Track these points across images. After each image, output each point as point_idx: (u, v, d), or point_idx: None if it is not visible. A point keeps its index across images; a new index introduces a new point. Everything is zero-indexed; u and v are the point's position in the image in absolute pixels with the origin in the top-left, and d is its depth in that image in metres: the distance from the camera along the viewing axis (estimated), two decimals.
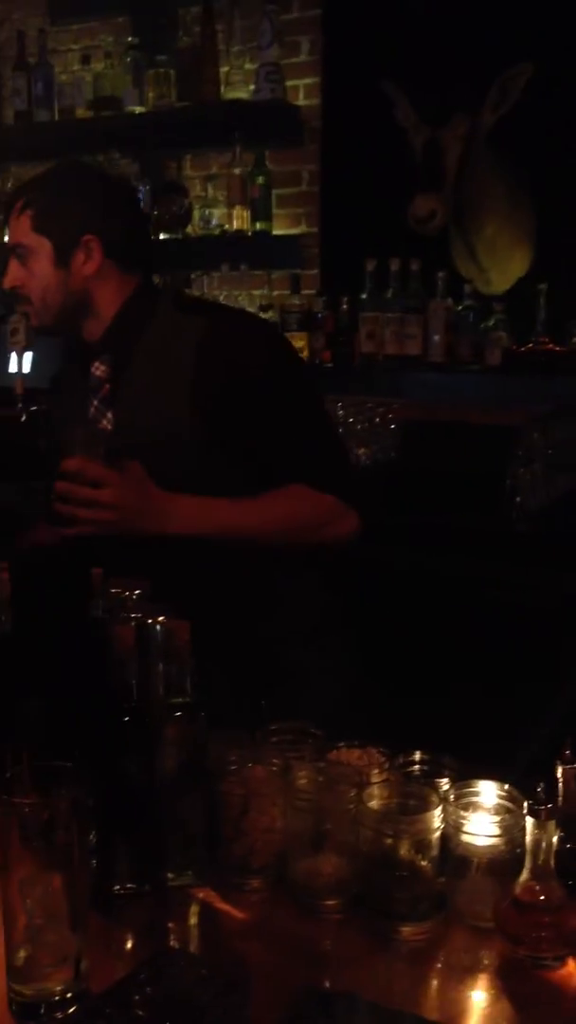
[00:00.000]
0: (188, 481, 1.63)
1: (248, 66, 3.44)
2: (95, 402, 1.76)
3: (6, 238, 1.82)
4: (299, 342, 3.36)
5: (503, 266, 3.25)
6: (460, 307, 3.19)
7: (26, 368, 3.35)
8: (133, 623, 1.12)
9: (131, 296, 1.75)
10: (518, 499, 2.90)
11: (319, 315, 3.37)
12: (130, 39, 3.56)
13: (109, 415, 1.74)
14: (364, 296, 3.27)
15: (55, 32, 3.84)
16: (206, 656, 1.60)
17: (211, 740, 1.24)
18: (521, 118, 3.09)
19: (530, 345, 3.06)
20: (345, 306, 3.30)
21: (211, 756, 1.20)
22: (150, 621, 1.16)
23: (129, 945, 1.09)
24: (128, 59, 3.50)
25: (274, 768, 1.18)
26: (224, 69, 3.44)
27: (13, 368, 3.10)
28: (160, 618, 1.15)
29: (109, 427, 1.73)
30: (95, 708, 1.12)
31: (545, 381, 3.02)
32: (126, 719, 1.12)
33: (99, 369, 1.76)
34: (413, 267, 3.21)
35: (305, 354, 3.37)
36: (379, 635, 2.12)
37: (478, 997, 1.03)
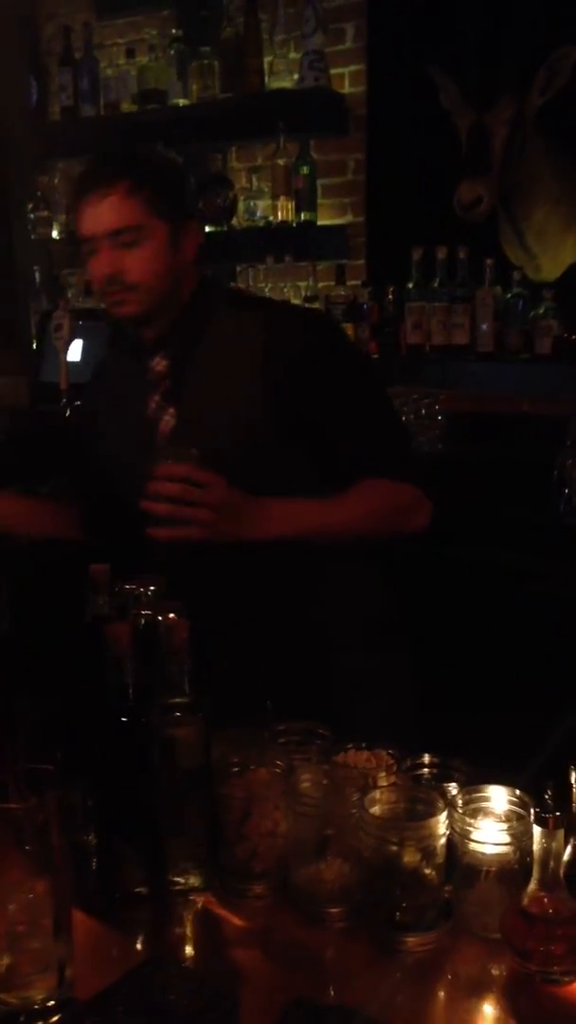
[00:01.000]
0: (257, 481, 1.56)
1: (292, 55, 3.40)
2: (155, 398, 1.70)
3: (100, 224, 1.61)
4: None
5: (553, 252, 3.16)
6: (509, 295, 3.11)
7: (75, 357, 3.38)
8: (128, 622, 1.10)
9: (197, 289, 1.70)
10: (566, 491, 2.82)
11: (364, 306, 3.31)
12: (174, 32, 3.54)
13: (172, 411, 1.68)
14: (410, 286, 3.21)
15: (100, 27, 3.84)
16: (265, 658, 1.58)
17: (219, 741, 1.21)
18: (569, 100, 3.00)
19: None
20: (391, 296, 3.25)
21: (216, 757, 1.18)
22: (145, 620, 1.13)
23: (126, 951, 1.07)
24: (172, 52, 3.48)
25: (277, 771, 1.14)
26: (268, 59, 3.40)
27: (72, 357, 3.20)
28: (159, 617, 1.13)
29: (173, 422, 1.67)
30: (92, 708, 1.10)
31: None
32: (124, 719, 1.10)
33: (160, 364, 1.70)
34: (460, 255, 3.14)
35: None
36: (427, 633, 2.07)
37: (483, 1013, 0.98)
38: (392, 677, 1.70)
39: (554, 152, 3.07)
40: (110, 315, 1.69)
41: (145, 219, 1.60)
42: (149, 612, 1.29)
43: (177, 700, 1.12)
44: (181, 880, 1.14)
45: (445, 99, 3.18)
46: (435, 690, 1.86)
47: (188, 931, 1.11)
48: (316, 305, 3.38)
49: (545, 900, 0.99)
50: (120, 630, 1.08)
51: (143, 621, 1.26)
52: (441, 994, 1.01)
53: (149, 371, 1.71)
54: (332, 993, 1.01)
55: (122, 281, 1.61)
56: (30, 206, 3.87)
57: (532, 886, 1.00)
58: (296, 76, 3.36)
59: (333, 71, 3.38)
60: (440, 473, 3.07)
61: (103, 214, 1.59)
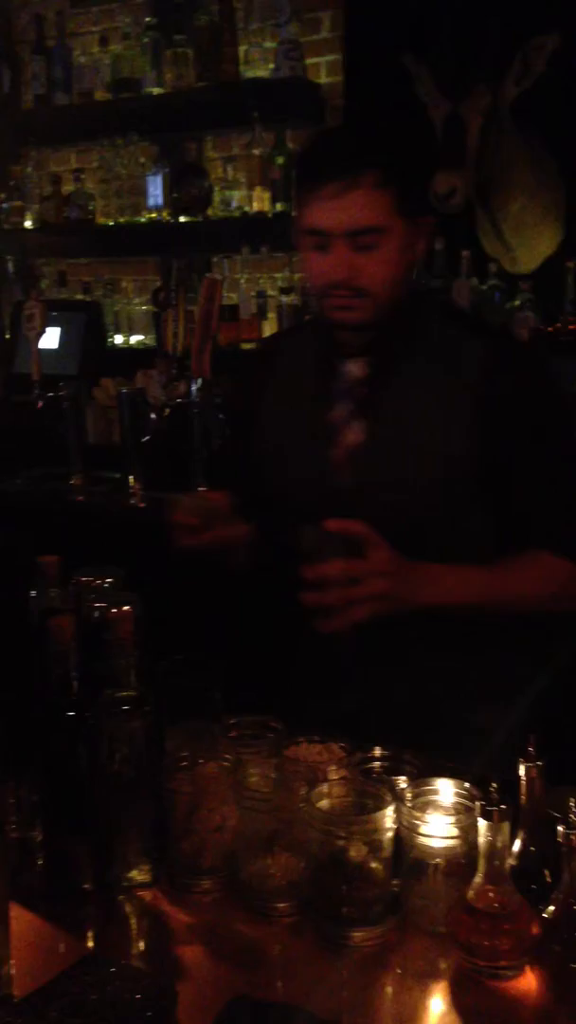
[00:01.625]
0: (428, 521, 1.45)
1: (267, 44, 3.37)
2: (346, 406, 1.52)
3: (337, 221, 1.39)
4: None
5: (530, 244, 3.15)
6: (486, 286, 3.09)
7: (52, 344, 3.26)
8: (71, 614, 1.08)
9: (411, 293, 1.51)
10: None
11: None
12: (148, 20, 3.51)
13: (360, 425, 1.50)
14: None
15: (73, 15, 3.80)
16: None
17: (173, 735, 1.20)
18: (545, 91, 2.98)
19: (558, 325, 2.96)
20: None
21: (167, 751, 1.16)
22: (98, 613, 1.12)
23: (71, 948, 1.05)
24: (146, 40, 3.45)
25: (226, 765, 1.13)
26: (243, 48, 3.37)
27: (48, 344, 2.94)
28: (112, 609, 1.11)
29: (360, 437, 1.50)
30: (38, 703, 1.08)
31: (575, 362, 2.91)
32: (69, 714, 1.08)
33: (359, 370, 1.51)
34: (437, 246, 3.12)
35: None
36: None
37: (429, 1008, 0.98)
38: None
39: (530, 143, 3.05)
40: (326, 319, 1.49)
41: (390, 219, 1.40)
42: (103, 605, 1.27)
43: (123, 694, 1.10)
44: (128, 876, 1.12)
45: (420, 89, 3.16)
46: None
47: (133, 927, 1.09)
48: (292, 297, 3.36)
49: (491, 894, 0.98)
50: (62, 623, 1.06)
51: (95, 614, 1.25)
52: (387, 989, 1.00)
53: (344, 375, 1.52)
54: (277, 989, 1.00)
55: (355, 286, 1.41)
56: (3, 196, 3.84)
57: (478, 880, 0.99)
58: (271, 65, 3.33)
59: (309, 61, 3.35)
60: None
61: (344, 211, 1.38)
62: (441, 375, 1.47)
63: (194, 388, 3.08)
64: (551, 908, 1.00)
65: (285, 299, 3.37)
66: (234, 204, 3.47)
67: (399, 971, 1.02)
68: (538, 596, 1.44)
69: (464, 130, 3.10)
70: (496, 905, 0.98)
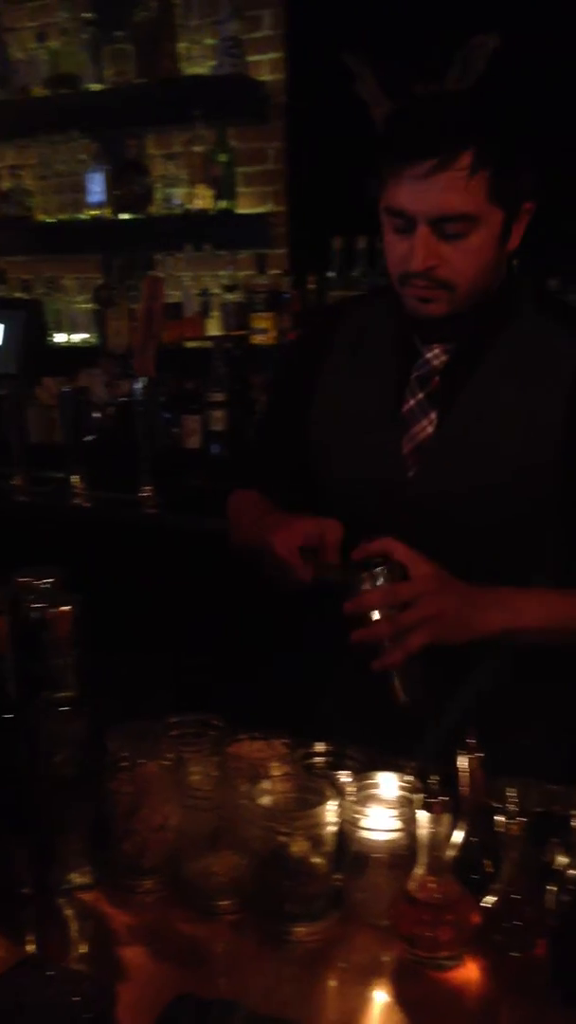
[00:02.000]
0: (497, 532, 1.34)
1: (208, 41, 3.36)
2: (419, 395, 1.39)
3: (423, 204, 1.26)
4: (265, 323, 3.30)
5: None
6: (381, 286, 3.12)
7: None
8: (5, 615, 1.06)
9: (505, 279, 1.37)
10: None
11: (286, 295, 3.30)
12: (86, 15, 3.48)
13: (433, 416, 1.38)
14: (331, 275, 3.20)
15: (9, 9, 3.75)
16: None
17: (115, 736, 1.19)
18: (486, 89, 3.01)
19: None
20: (312, 285, 3.24)
21: (108, 751, 1.15)
22: (36, 613, 1.10)
23: (11, 953, 1.03)
24: (85, 36, 3.42)
25: (167, 764, 1.12)
26: (183, 44, 3.36)
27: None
28: (51, 609, 1.10)
29: (431, 430, 1.38)
30: None
31: None
32: (6, 716, 1.06)
33: (437, 358, 1.38)
34: (380, 245, 3.13)
35: (272, 335, 3.31)
36: None
37: (371, 1001, 0.98)
38: None
39: None
40: (403, 307, 1.35)
41: (483, 207, 1.25)
42: (42, 605, 1.25)
43: (62, 695, 1.09)
44: (68, 878, 1.11)
45: (362, 88, 3.17)
46: None
47: (74, 929, 1.08)
48: (237, 295, 3.36)
49: (432, 885, 0.99)
50: None
51: (33, 615, 1.23)
52: (330, 983, 1.00)
53: (422, 361, 1.39)
54: (220, 986, 0.99)
55: (437, 277, 1.28)
56: None
57: (419, 871, 0.99)
58: (212, 63, 3.32)
59: (250, 58, 3.35)
60: None
61: (431, 194, 1.24)
62: (531, 371, 1.34)
63: (138, 386, 3.06)
64: (491, 898, 1.00)
65: (229, 297, 3.37)
66: (176, 201, 3.46)
67: (342, 965, 1.02)
68: None
69: None
70: (437, 896, 0.98)
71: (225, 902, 1.08)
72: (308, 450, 1.49)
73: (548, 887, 0.97)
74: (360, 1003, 0.97)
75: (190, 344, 3.43)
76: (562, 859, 1.00)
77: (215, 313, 3.44)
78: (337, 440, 1.45)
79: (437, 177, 1.23)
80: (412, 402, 1.39)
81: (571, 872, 0.94)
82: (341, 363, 1.47)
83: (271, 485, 1.54)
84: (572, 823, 1.04)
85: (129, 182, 3.40)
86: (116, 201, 3.44)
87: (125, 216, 3.46)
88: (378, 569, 1.21)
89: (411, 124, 1.30)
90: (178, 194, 3.45)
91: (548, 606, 1.31)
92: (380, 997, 0.98)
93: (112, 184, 3.44)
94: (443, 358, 1.38)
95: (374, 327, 1.46)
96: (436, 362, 1.38)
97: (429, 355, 1.39)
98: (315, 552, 1.27)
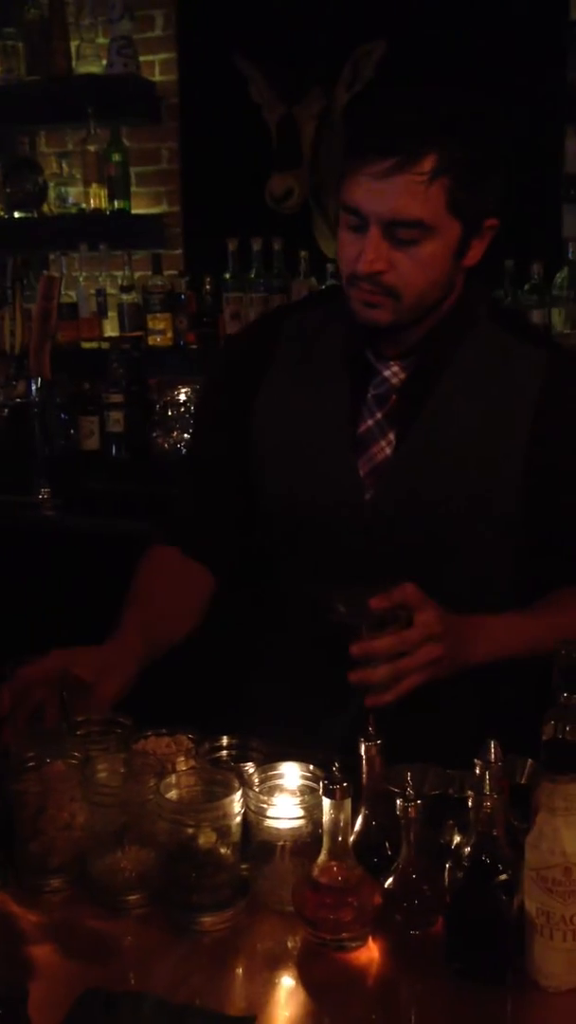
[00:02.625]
0: (456, 551, 1.32)
1: (100, 40, 3.35)
2: (376, 415, 1.35)
3: (377, 205, 1.20)
4: (162, 324, 3.31)
5: None
6: (324, 287, 3.17)
7: None
8: None
9: (462, 296, 1.34)
10: None
11: (182, 296, 3.31)
12: None
13: (392, 436, 1.34)
14: (227, 276, 3.22)
15: None
16: None
17: (19, 736, 1.19)
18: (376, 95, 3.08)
19: None
20: (208, 287, 3.25)
21: (13, 753, 1.15)
22: None
23: None
24: None
25: (73, 762, 1.13)
26: (75, 43, 3.34)
27: None
28: None
29: (388, 451, 1.34)
30: None
31: None
32: None
33: (395, 376, 1.34)
34: (275, 247, 3.18)
35: (169, 336, 3.31)
36: None
37: (278, 986, 1.00)
38: None
39: None
40: (352, 310, 1.30)
41: (440, 216, 1.21)
42: None
43: None
44: None
45: (255, 91, 3.21)
46: None
47: None
48: (133, 295, 3.35)
49: (334, 869, 1.02)
50: None
51: None
52: (238, 971, 1.03)
53: (378, 378, 1.35)
54: (129, 980, 1.01)
55: (382, 283, 1.24)
56: None
57: (322, 857, 1.03)
58: (104, 62, 3.31)
59: (143, 58, 3.35)
60: None
61: (387, 196, 1.19)
62: (490, 386, 1.32)
63: (33, 388, 3.03)
64: (391, 879, 1.04)
65: (125, 297, 3.36)
66: (71, 201, 3.43)
67: (249, 953, 1.05)
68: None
69: (298, 133, 3.16)
70: (340, 879, 1.02)
71: (133, 897, 1.09)
72: (247, 475, 1.42)
73: (446, 866, 1.01)
74: (267, 988, 1.00)
75: (86, 345, 3.41)
76: (457, 838, 1.04)
77: (112, 314, 3.43)
78: (285, 462, 1.39)
79: (395, 178, 1.18)
80: (370, 422, 1.35)
81: (466, 850, 0.98)
82: (285, 378, 1.41)
83: (199, 533, 1.46)
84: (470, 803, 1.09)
85: (22, 180, 3.36)
86: (9, 200, 3.40)
87: (19, 214, 3.41)
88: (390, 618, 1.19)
89: (374, 120, 1.23)
90: (72, 193, 3.43)
91: (527, 632, 1.30)
92: (286, 981, 1.01)
93: (4, 182, 3.39)
94: (401, 376, 1.34)
95: (322, 338, 1.40)
96: (394, 380, 1.34)
97: (387, 373, 1.34)
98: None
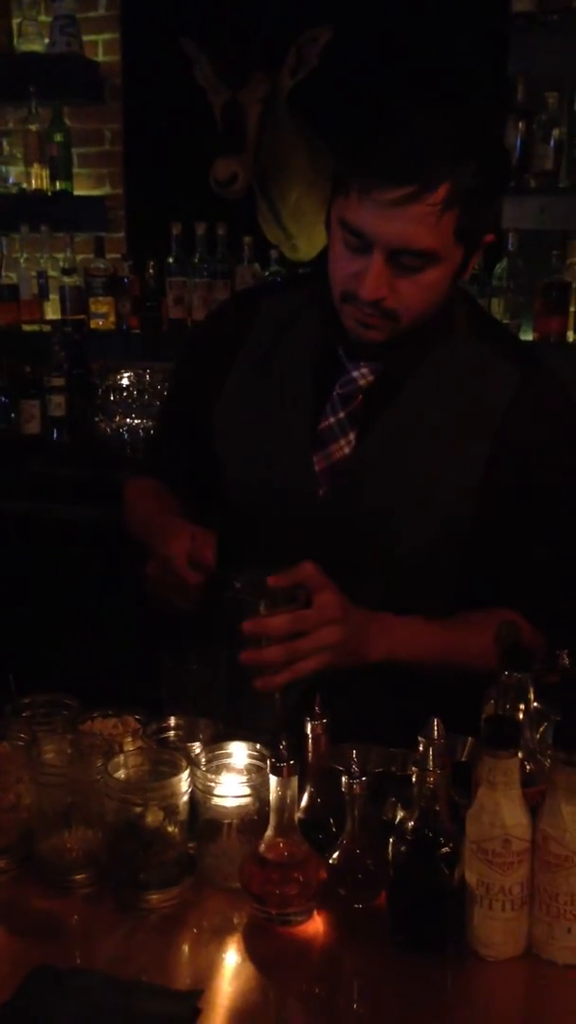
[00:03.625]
0: (405, 557, 1.31)
1: (42, 18, 3.31)
2: (339, 414, 1.34)
3: (385, 232, 1.17)
4: (105, 307, 3.29)
5: (309, 232, 3.24)
6: (268, 273, 3.17)
7: None
8: None
9: (443, 305, 1.30)
10: None
11: (125, 280, 3.29)
12: None
13: (352, 437, 1.33)
14: (171, 260, 3.21)
15: None
16: None
17: None
18: (320, 83, 3.08)
19: None
20: (151, 270, 3.24)
21: None
22: None
23: None
24: None
25: (20, 743, 1.13)
26: (16, 20, 3.29)
27: None
28: None
29: (347, 450, 1.34)
30: None
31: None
32: None
33: (363, 378, 1.33)
34: (219, 231, 3.17)
35: (112, 319, 3.29)
36: None
37: (224, 961, 1.02)
38: None
39: (306, 134, 3.14)
40: (345, 325, 1.28)
41: (447, 245, 1.19)
42: None
43: None
44: None
45: (199, 74, 3.19)
46: None
47: None
48: (75, 278, 3.32)
49: (281, 845, 1.04)
50: None
51: None
52: (184, 947, 1.04)
53: (344, 378, 1.34)
54: (77, 957, 1.01)
55: (384, 308, 1.22)
56: None
57: (269, 833, 1.04)
58: (47, 40, 3.26)
59: (86, 38, 3.31)
60: None
61: (398, 224, 1.16)
62: (458, 397, 1.31)
63: None
64: (336, 855, 1.07)
65: (67, 280, 3.33)
66: (11, 180, 3.39)
67: (195, 929, 1.06)
68: (489, 660, 1.25)
69: (243, 117, 3.15)
70: (286, 855, 1.04)
71: (80, 876, 1.10)
72: (211, 448, 1.43)
73: (390, 840, 1.04)
74: (213, 963, 1.02)
75: (28, 328, 3.37)
76: (400, 814, 1.07)
77: (53, 296, 3.39)
78: (244, 448, 1.40)
79: (407, 208, 1.15)
80: (332, 420, 1.34)
81: (409, 825, 1.00)
82: (253, 364, 1.41)
83: (170, 478, 1.48)
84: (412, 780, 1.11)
85: None
86: None
87: None
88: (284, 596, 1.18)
89: (390, 143, 1.16)
90: (13, 173, 3.38)
91: (430, 641, 1.29)
92: (232, 956, 1.03)
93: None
94: (370, 378, 1.33)
95: (294, 327, 1.39)
96: (362, 381, 1.33)
97: (355, 373, 1.33)
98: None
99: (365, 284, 1.21)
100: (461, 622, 1.32)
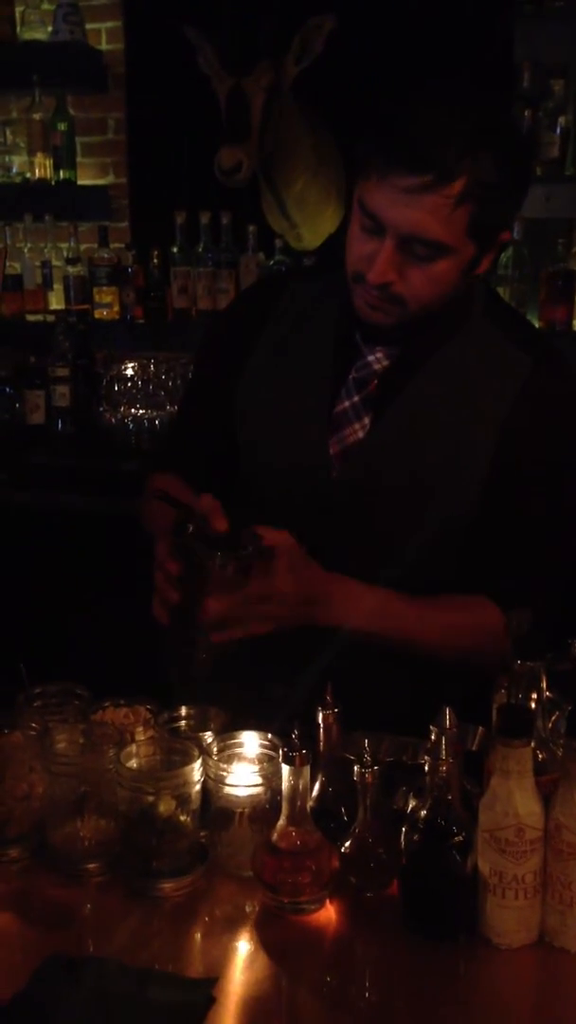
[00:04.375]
0: (411, 539, 1.30)
1: (46, 6, 3.29)
2: (354, 398, 1.36)
3: (398, 218, 1.19)
4: (109, 297, 3.28)
5: (313, 221, 3.24)
6: (272, 262, 3.16)
7: None
8: None
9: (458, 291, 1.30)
10: None
11: (129, 269, 3.28)
12: None
13: (367, 421, 1.35)
14: (175, 250, 3.20)
15: None
16: None
17: None
18: (324, 71, 3.07)
19: None
20: (156, 260, 3.23)
21: None
22: None
23: None
24: None
25: (32, 733, 1.13)
26: (20, 9, 3.27)
27: None
28: None
29: (361, 434, 1.35)
30: None
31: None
32: None
33: (378, 363, 1.34)
34: (224, 220, 3.16)
35: (116, 309, 3.28)
36: None
37: (236, 949, 1.03)
38: None
39: (311, 123, 3.13)
40: (354, 306, 1.30)
41: (459, 239, 1.20)
42: None
43: None
44: None
45: (203, 62, 3.17)
46: None
47: None
48: (79, 268, 3.31)
49: (293, 834, 1.04)
50: None
51: None
52: (197, 935, 1.05)
53: (360, 362, 1.36)
54: (90, 946, 1.02)
55: (390, 292, 1.24)
56: None
57: (281, 822, 1.05)
58: (50, 28, 3.25)
59: (89, 26, 3.29)
60: None
61: (411, 212, 1.17)
62: (470, 384, 1.32)
63: None
64: (348, 843, 1.07)
65: (71, 270, 3.32)
66: (15, 170, 3.37)
67: (207, 918, 1.07)
68: (457, 640, 1.32)
69: (247, 105, 3.14)
70: (298, 844, 1.04)
71: (92, 865, 1.10)
72: (232, 430, 1.44)
73: (402, 829, 1.04)
74: (226, 951, 1.02)
75: (31, 317, 3.36)
76: (412, 803, 1.07)
77: (57, 286, 3.38)
78: (261, 428, 1.41)
79: (423, 197, 1.16)
80: (347, 403, 1.36)
81: (421, 813, 1.01)
82: (274, 345, 1.42)
83: (191, 467, 1.45)
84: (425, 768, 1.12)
85: None
86: None
87: None
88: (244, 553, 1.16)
89: (412, 130, 1.17)
90: (17, 162, 3.37)
91: (395, 613, 1.30)
92: (245, 944, 1.03)
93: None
94: (385, 363, 1.34)
95: (316, 312, 1.41)
96: (377, 366, 1.34)
97: (371, 358, 1.35)
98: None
99: (374, 267, 1.23)
100: (432, 601, 1.32)
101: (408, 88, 1.25)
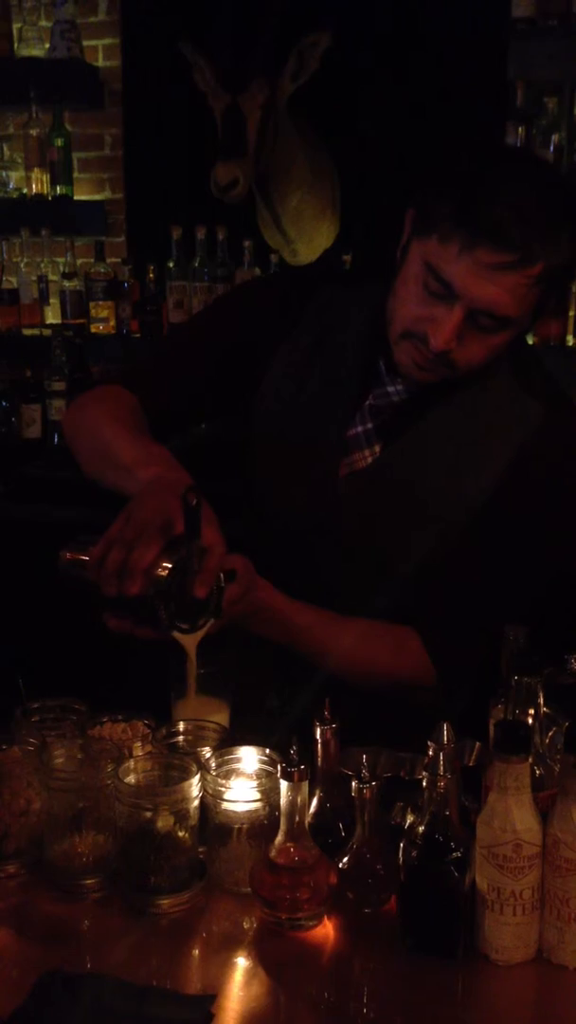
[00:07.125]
0: (393, 571, 1.33)
1: (43, 23, 3.31)
2: (367, 424, 1.36)
3: (477, 292, 1.19)
4: (105, 311, 3.29)
5: (308, 237, 3.25)
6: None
7: None
8: None
9: None
10: None
11: (125, 284, 3.30)
12: None
13: (377, 449, 1.35)
14: (171, 265, 3.21)
15: None
16: None
17: None
18: (319, 89, 3.09)
19: None
20: (152, 275, 3.24)
21: None
22: None
23: None
24: None
25: (30, 748, 1.13)
26: (17, 25, 3.29)
27: None
28: None
29: (369, 461, 1.36)
30: None
31: None
32: None
33: (399, 394, 1.34)
34: (220, 236, 3.18)
35: (112, 324, 3.29)
36: None
37: (235, 966, 1.02)
38: None
39: (306, 139, 3.15)
40: (395, 358, 1.30)
41: (524, 313, 1.22)
42: None
43: None
44: None
45: (200, 79, 3.19)
46: None
47: None
48: (75, 282, 3.32)
49: (291, 850, 1.04)
50: None
51: None
52: (195, 952, 1.04)
53: (379, 391, 1.35)
54: (88, 962, 1.02)
55: (448, 358, 1.24)
56: None
57: (279, 838, 1.05)
58: (47, 45, 3.27)
59: (86, 43, 3.32)
60: (211, 450, 3.11)
61: (491, 288, 1.18)
62: (479, 429, 1.33)
63: None
64: (346, 859, 1.07)
65: (68, 284, 3.33)
66: (12, 185, 3.39)
67: (205, 934, 1.06)
68: (367, 667, 1.34)
69: (243, 122, 3.16)
70: (296, 860, 1.04)
71: (90, 881, 1.10)
72: (210, 391, 1.42)
73: (399, 845, 1.04)
74: (224, 968, 1.02)
75: (28, 332, 3.38)
76: (410, 818, 1.07)
77: (53, 300, 3.40)
78: (277, 437, 1.41)
79: (506, 275, 1.17)
80: (360, 429, 1.36)
81: (419, 829, 1.01)
82: (297, 357, 1.40)
83: (159, 403, 1.40)
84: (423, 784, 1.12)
85: None
86: None
87: None
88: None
89: (499, 208, 1.16)
90: (14, 177, 3.39)
91: (322, 632, 1.32)
92: (243, 961, 1.03)
93: None
94: (403, 396, 1.34)
95: (342, 328, 1.39)
96: (395, 398, 1.35)
97: (391, 389, 1.35)
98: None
99: (438, 334, 1.22)
100: (339, 619, 1.33)
101: (477, 152, 1.27)
